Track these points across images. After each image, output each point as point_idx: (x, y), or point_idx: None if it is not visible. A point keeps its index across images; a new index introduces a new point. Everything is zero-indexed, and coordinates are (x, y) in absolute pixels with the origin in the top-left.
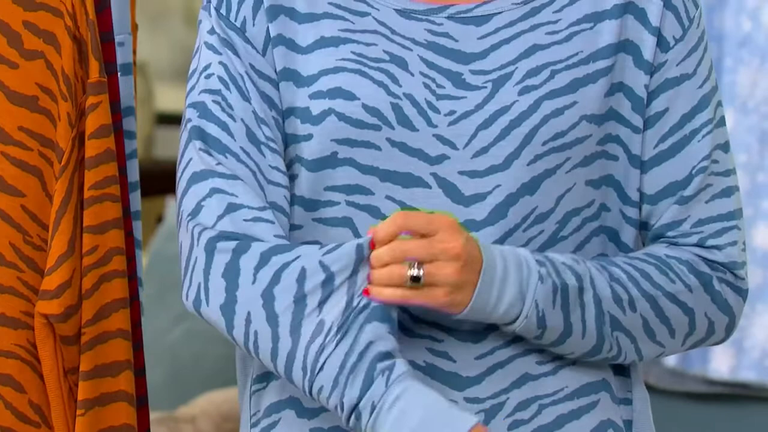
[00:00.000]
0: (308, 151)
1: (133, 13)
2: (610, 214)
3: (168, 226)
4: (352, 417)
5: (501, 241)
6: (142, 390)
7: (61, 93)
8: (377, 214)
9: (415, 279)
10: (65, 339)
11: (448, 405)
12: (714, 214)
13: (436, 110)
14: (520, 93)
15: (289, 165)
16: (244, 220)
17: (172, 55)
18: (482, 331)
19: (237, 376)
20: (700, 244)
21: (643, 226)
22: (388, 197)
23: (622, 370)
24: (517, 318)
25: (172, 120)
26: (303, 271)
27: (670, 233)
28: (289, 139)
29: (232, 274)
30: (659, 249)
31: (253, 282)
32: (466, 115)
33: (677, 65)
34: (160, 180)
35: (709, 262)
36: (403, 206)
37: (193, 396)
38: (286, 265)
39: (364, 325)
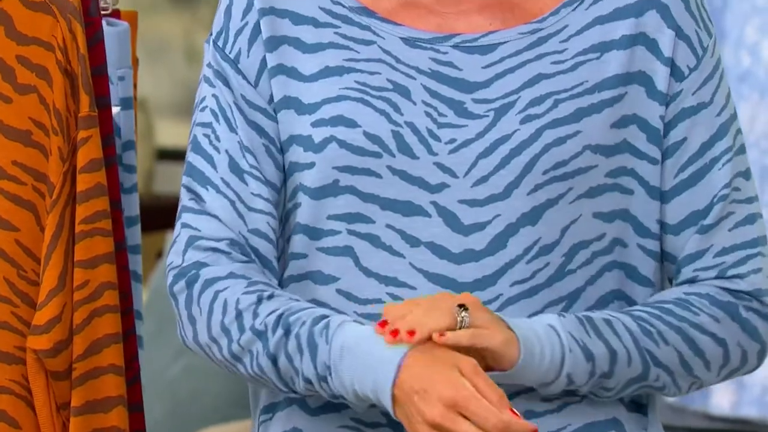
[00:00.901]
0: (310, 179)
1: (134, 47)
2: (626, 249)
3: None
4: (323, 384)
5: (502, 272)
6: (139, 425)
7: (53, 127)
8: (377, 243)
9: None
10: (56, 374)
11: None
12: (738, 242)
13: (437, 138)
14: (522, 122)
15: (293, 194)
16: (203, 249)
17: (172, 91)
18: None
19: (250, 405)
20: (721, 276)
21: (667, 257)
22: (388, 226)
23: (638, 408)
24: (564, 355)
25: (172, 155)
26: (225, 303)
27: (692, 266)
28: (291, 168)
29: (189, 305)
30: (677, 290)
31: (200, 313)
32: (467, 143)
33: (693, 94)
34: (160, 215)
35: (733, 292)
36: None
37: None
38: (216, 294)
39: (287, 318)
